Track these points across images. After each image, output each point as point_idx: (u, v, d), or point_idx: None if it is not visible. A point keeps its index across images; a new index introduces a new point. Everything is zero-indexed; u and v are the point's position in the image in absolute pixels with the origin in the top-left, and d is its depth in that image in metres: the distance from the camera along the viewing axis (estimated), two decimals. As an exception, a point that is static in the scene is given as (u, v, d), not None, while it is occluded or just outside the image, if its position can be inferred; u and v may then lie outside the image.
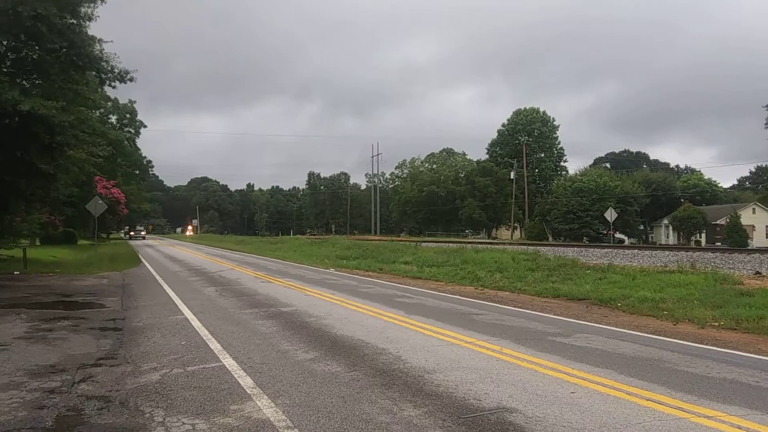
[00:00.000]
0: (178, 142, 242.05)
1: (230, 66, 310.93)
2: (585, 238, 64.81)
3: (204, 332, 9.86)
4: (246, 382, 6.64)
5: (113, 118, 61.37)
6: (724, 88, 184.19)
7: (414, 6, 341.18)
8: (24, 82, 18.20)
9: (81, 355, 8.22)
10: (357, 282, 19.79)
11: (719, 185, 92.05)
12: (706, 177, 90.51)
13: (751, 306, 11.94)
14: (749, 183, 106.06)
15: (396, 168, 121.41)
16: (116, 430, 5.16)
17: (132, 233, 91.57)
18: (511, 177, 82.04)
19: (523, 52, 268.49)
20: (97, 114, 42.38)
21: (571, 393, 6.23)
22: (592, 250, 32.59)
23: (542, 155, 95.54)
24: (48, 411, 5.66)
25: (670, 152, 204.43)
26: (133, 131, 67.21)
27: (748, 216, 63.05)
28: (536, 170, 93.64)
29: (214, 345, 8.76)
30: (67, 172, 21.31)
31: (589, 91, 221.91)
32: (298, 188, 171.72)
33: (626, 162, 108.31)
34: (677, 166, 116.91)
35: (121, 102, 61.16)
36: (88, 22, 18.20)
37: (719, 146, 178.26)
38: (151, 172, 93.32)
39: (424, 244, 40.47)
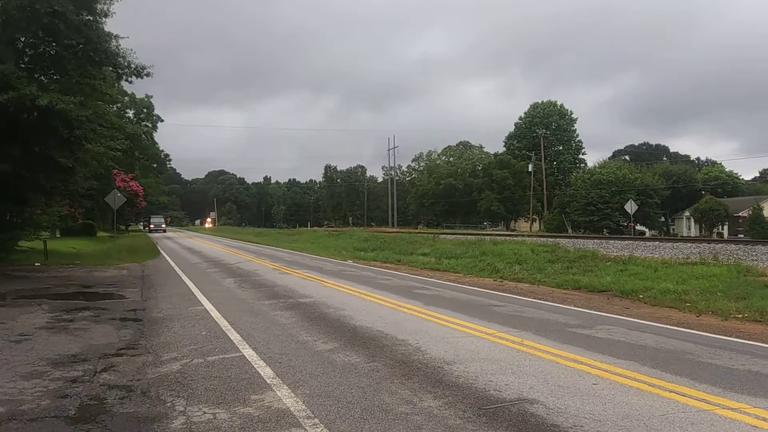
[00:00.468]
0: (195, 136, 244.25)
1: (247, 60, 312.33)
2: (605, 230, 64.17)
3: (223, 323, 9.90)
4: (266, 372, 6.65)
5: (130, 113, 61.71)
6: (746, 79, 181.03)
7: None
8: (42, 78, 18.36)
9: (102, 345, 8.28)
10: (375, 273, 19.78)
11: (741, 177, 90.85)
12: (727, 170, 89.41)
13: (775, 298, 11.75)
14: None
15: (413, 161, 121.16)
16: (138, 419, 5.18)
17: (151, 226, 79.91)
18: (529, 170, 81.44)
19: (543, 44, 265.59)
20: (115, 108, 42.65)
21: (593, 384, 6.17)
22: (612, 242, 32.25)
23: (560, 148, 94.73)
24: (71, 400, 5.70)
25: (691, 145, 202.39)
26: (150, 125, 67.52)
27: (770, 208, 62.01)
28: (554, 163, 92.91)
29: (234, 335, 8.78)
30: (85, 166, 21.47)
31: (608, 84, 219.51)
32: (315, 181, 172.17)
33: (646, 155, 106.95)
34: (698, 159, 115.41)
35: (138, 97, 61.48)
36: (104, 19, 18.30)
37: (740, 138, 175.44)
38: (168, 166, 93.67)
39: (441, 236, 40.36)
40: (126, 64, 19.31)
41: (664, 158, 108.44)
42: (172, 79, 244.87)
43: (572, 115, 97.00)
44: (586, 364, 7.01)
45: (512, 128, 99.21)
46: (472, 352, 7.69)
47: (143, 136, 60.84)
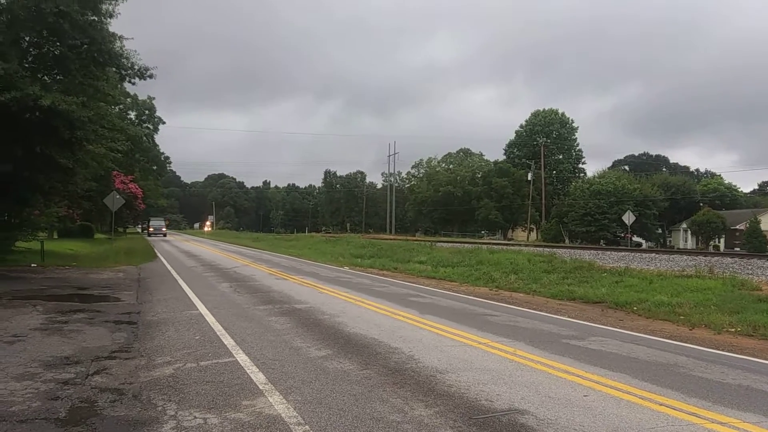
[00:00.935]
0: (196, 139, 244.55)
1: (249, 64, 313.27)
2: (602, 240, 64.26)
3: (218, 327, 9.91)
4: (258, 377, 6.66)
5: (132, 114, 61.79)
6: (746, 91, 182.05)
7: (438, 5, 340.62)
8: (45, 78, 18.43)
9: (95, 347, 8.28)
10: (371, 281, 19.79)
11: (739, 190, 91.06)
12: (726, 182, 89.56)
13: (769, 312, 11.78)
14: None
15: (412, 167, 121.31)
16: (128, 423, 5.19)
17: (151, 229, 73.89)
18: (529, 178, 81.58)
19: (546, 53, 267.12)
20: (117, 110, 42.71)
21: (584, 396, 6.18)
22: (608, 253, 32.26)
23: (560, 157, 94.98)
24: (61, 402, 5.71)
25: (690, 156, 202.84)
26: (151, 127, 67.61)
27: (768, 221, 62.17)
28: (554, 172, 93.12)
29: (228, 340, 8.79)
30: (85, 167, 21.54)
31: (609, 94, 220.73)
32: (314, 186, 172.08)
33: (645, 165, 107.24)
34: (697, 170, 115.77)
35: (140, 98, 61.59)
36: (109, 19, 18.41)
37: (740, 150, 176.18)
38: (168, 168, 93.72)
39: (439, 244, 40.34)
40: (129, 65, 19.40)
41: (664, 169, 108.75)
42: (174, 81, 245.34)
43: (573, 124, 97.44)
44: (577, 376, 7.03)
45: (513, 136, 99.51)
46: (465, 361, 7.70)
47: (144, 138, 60.91)
